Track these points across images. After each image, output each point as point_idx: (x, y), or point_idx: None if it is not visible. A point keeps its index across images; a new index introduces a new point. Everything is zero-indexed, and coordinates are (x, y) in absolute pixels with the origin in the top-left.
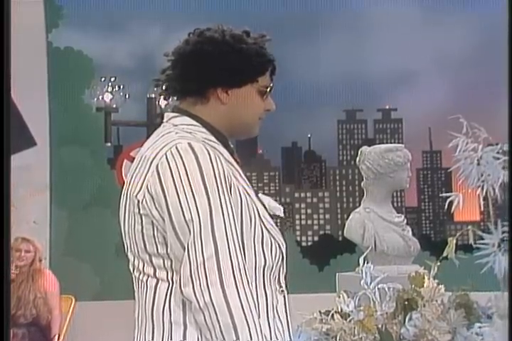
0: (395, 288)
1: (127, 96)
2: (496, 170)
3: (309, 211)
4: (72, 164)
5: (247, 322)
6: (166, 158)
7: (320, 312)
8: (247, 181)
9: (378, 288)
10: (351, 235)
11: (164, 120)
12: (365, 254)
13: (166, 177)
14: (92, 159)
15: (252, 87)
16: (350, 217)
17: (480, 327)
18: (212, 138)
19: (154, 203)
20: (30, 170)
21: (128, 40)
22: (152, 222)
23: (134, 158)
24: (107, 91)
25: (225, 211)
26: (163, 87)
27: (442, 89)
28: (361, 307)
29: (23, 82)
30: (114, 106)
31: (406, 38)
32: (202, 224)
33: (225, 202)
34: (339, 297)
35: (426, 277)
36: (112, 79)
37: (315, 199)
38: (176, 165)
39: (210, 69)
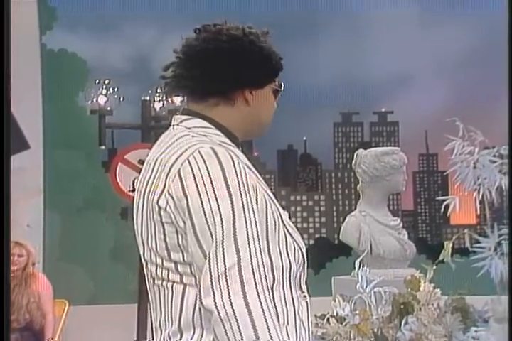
0: (390, 292)
1: (121, 99)
2: (492, 173)
3: (305, 214)
4: (66, 167)
5: (269, 334)
6: (189, 162)
7: (315, 316)
8: (266, 185)
9: (374, 292)
10: (347, 238)
11: (174, 122)
12: (360, 258)
13: (189, 183)
14: (86, 162)
15: (269, 86)
16: (346, 220)
17: (476, 331)
18: (228, 140)
19: (178, 210)
20: (24, 173)
21: (122, 43)
22: (176, 230)
23: (128, 161)
24: (101, 93)
25: (248, 218)
26: (172, 85)
27: (439, 92)
28: (357, 311)
29: (16, 84)
30: (109, 108)
31: (402, 41)
32: (225, 231)
33: (248, 208)
34: (335, 301)
35: (422, 281)
36: (106, 81)
37: (311, 203)
38: (199, 170)
39: (237, 69)
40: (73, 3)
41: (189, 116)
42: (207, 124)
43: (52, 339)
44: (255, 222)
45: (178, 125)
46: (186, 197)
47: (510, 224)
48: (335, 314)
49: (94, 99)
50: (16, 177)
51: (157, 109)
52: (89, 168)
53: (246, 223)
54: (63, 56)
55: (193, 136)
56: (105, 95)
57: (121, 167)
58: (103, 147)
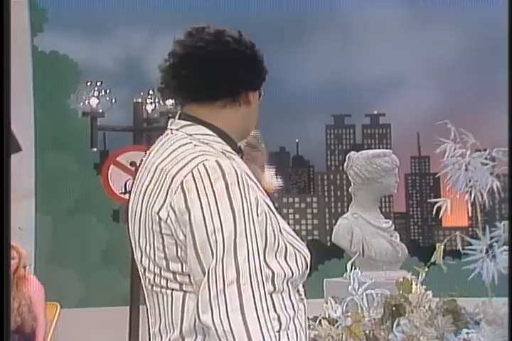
0: (382, 294)
1: (113, 101)
2: (483, 175)
3: (297, 216)
4: (58, 169)
5: None
6: (193, 175)
7: (308, 317)
8: (265, 193)
9: (366, 294)
10: (339, 240)
11: (173, 127)
12: (352, 260)
13: (192, 197)
14: (77, 164)
15: (259, 90)
16: (338, 222)
17: (467, 333)
18: (229, 148)
19: (179, 223)
20: (15, 175)
21: (114, 45)
22: (176, 242)
23: (120, 163)
24: (93, 95)
25: (249, 234)
26: (173, 87)
27: (431, 95)
28: (349, 313)
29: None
30: (100, 110)
31: (395, 43)
32: (225, 248)
33: (250, 224)
34: (327, 303)
35: (414, 283)
36: (98, 83)
37: (303, 205)
38: (203, 184)
39: (245, 70)
40: (64, 5)
41: (189, 122)
42: (208, 131)
43: None
44: (256, 237)
45: (177, 130)
46: (189, 211)
47: (510, 224)
48: (327, 316)
49: (86, 101)
50: None
51: (149, 111)
52: (81, 170)
53: (247, 239)
54: (55, 58)
55: (195, 145)
56: (97, 97)
57: (113, 169)
58: (95, 149)
